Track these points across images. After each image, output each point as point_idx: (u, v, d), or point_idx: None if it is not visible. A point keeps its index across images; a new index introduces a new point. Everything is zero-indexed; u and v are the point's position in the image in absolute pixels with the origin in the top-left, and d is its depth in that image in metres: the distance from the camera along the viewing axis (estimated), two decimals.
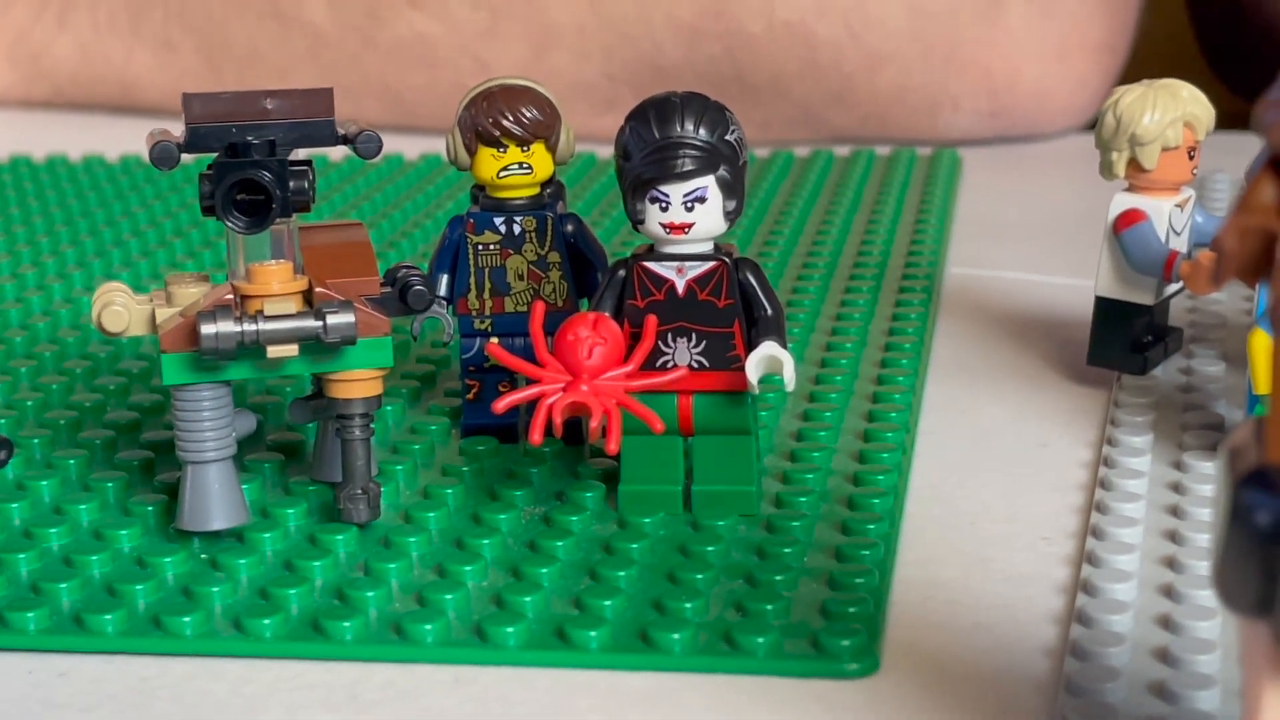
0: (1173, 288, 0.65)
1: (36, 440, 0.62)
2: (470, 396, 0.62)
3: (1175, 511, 0.55)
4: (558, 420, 0.53)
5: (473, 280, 0.61)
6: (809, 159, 1.03)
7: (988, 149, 1.06)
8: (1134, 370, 0.65)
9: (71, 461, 0.60)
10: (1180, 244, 0.64)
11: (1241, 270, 0.33)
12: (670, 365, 0.55)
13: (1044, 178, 1.01)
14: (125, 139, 1.07)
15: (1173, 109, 0.62)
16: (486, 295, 0.61)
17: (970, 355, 0.71)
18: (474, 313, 0.62)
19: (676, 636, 0.48)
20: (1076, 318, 0.71)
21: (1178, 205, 0.64)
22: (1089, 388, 0.67)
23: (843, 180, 0.97)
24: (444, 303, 0.61)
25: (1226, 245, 0.32)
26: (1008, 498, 0.58)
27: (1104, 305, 0.65)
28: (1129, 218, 0.63)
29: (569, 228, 0.61)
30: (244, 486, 0.57)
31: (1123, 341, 0.65)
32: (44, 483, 0.59)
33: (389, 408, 0.64)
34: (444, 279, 0.61)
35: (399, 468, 0.59)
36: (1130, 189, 0.64)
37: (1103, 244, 0.64)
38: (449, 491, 0.57)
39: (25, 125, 1.23)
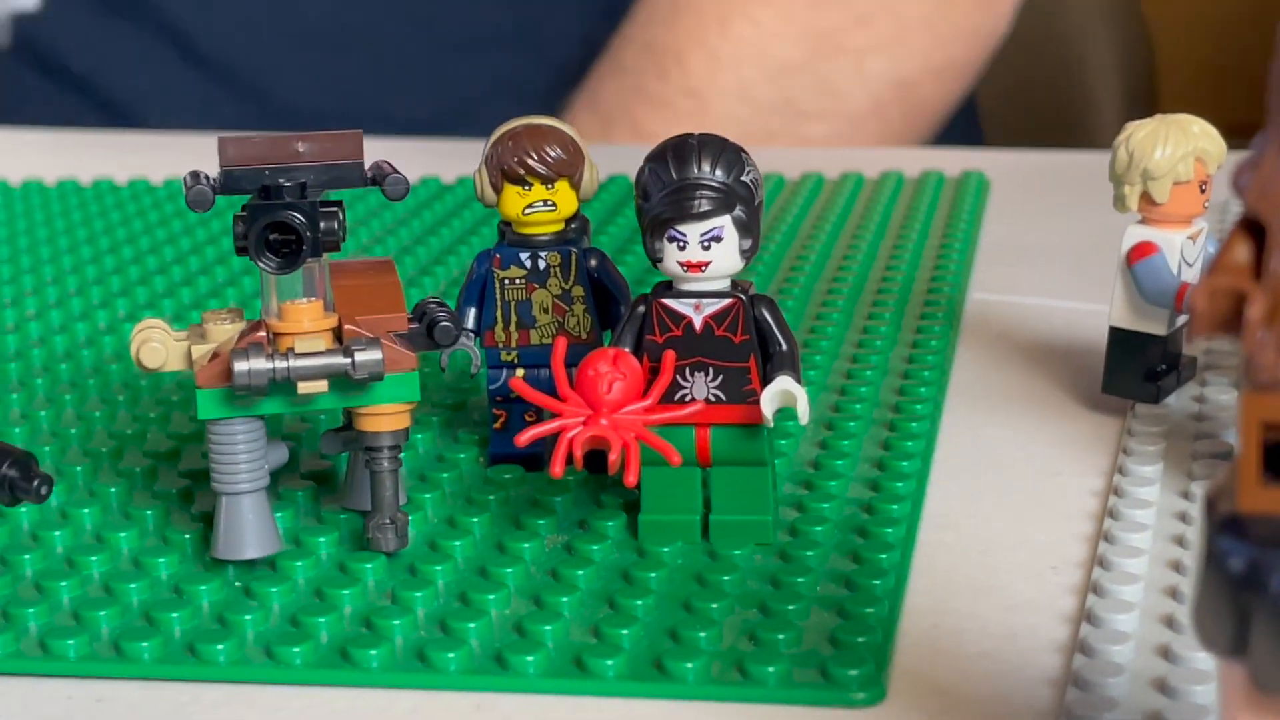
0: (1185, 318, 0.66)
1: (79, 468, 0.65)
2: (497, 426, 0.64)
3: (1181, 541, 0.57)
4: (578, 453, 0.55)
5: (499, 313, 0.63)
6: (838, 181, 1.04)
7: (1017, 170, 1.08)
8: (1147, 399, 0.66)
9: (113, 490, 0.63)
10: (1192, 276, 0.65)
11: (1212, 328, 0.34)
12: (688, 399, 0.57)
13: (1072, 200, 1.02)
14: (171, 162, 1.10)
15: (1184, 144, 0.64)
16: (512, 328, 0.63)
17: (989, 382, 0.73)
18: (500, 345, 0.63)
19: (690, 665, 0.50)
20: (1098, 344, 0.72)
21: (1190, 238, 0.65)
22: (1104, 415, 0.68)
23: (871, 202, 0.99)
24: (471, 335, 0.63)
25: (1196, 305, 0.34)
26: (1019, 526, 0.59)
27: (1118, 335, 0.66)
28: (1141, 250, 0.65)
29: (592, 262, 0.63)
30: (278, 514, 0.59)
31: (1136, 371, 0.66)
32: (85, 510, 0.61)
33: (419, 437, 0.66)
34: (471, 312, 0.63)
35: (427, 496, 0.61)
36: (1143, 222, 0.65)
37: (1116, 275, 0.66)
38: (475, 520, 0.59)
39: (71, 148, 1.25)
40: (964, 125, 1.37)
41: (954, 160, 1.08)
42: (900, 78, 1.24)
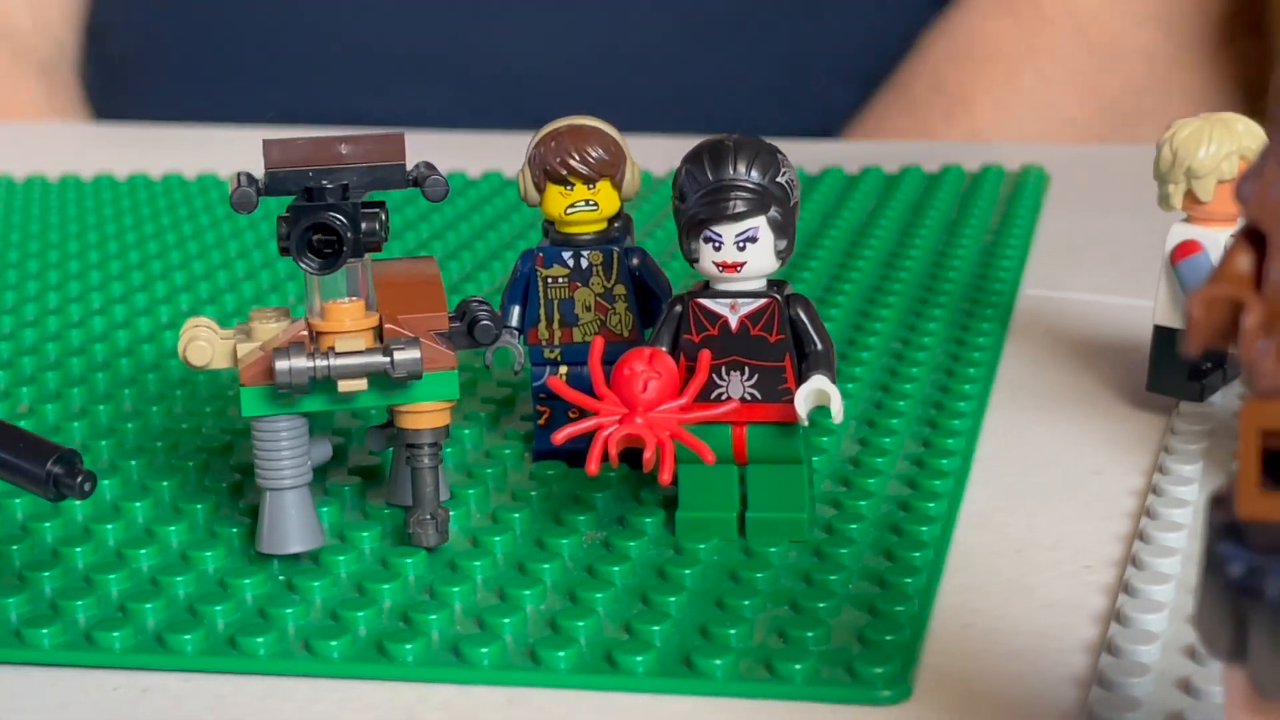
0: None
1: (134, 463, 0.66)
2: (541, 422, 0.65)
3: None
4: (613, 451, 0.55)
5: (542, 311, 0.64)
6: (897, 175, 1.04)
7: (1078, 164, 1.07)
8: (1192, 397, 0.66)
9: (165, 484, 0.64)
10: None
11: (1209, 338, 0.34)
12: (724, 398, 0.57)
13: (1133, 195, 1.02)
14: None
15: (1228, 142, 0.64)
16: (555, 326, 0.64)
17: (1036, 379, 0.73)
18: (544, 343, 0.64)
19: (719, 662, 0.50)
20: (1148, 341, 0.71)
21: (1232, 236, 0.65)
22: (1149, 413, 0.68)
23: (929, 197, 0.99)
24: (515, 333, 0.64)
25: (1193, 314, 0.34)
26: (1056, 525, 0.60)
27: (1162, 333, 0.66)
28: (1186, 249, 0.65)
29: (634, 261, 0.64)
30: (324, 509, 0.61)
31: (1181, 369, 0.66)
32: (138, 504, 0.62)
33: (466, 431, 0.67)
34: (515, 310, 0.64)
35: (471, 491, 0.62)
36: (1188, 220, 0.65)
37: (1160, 274, 0.66)
38: (516, 516, 0.60)
39: (143, 144, 1.27)
40: None
41: (1014, 154, 1.08)
42: None
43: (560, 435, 0.56)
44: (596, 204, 0.62)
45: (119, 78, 1.45)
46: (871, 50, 1.37)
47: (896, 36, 1.36)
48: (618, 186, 0.63)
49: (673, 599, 0.54)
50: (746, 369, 0.57)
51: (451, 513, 0.60)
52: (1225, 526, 0.35)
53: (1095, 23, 1.28)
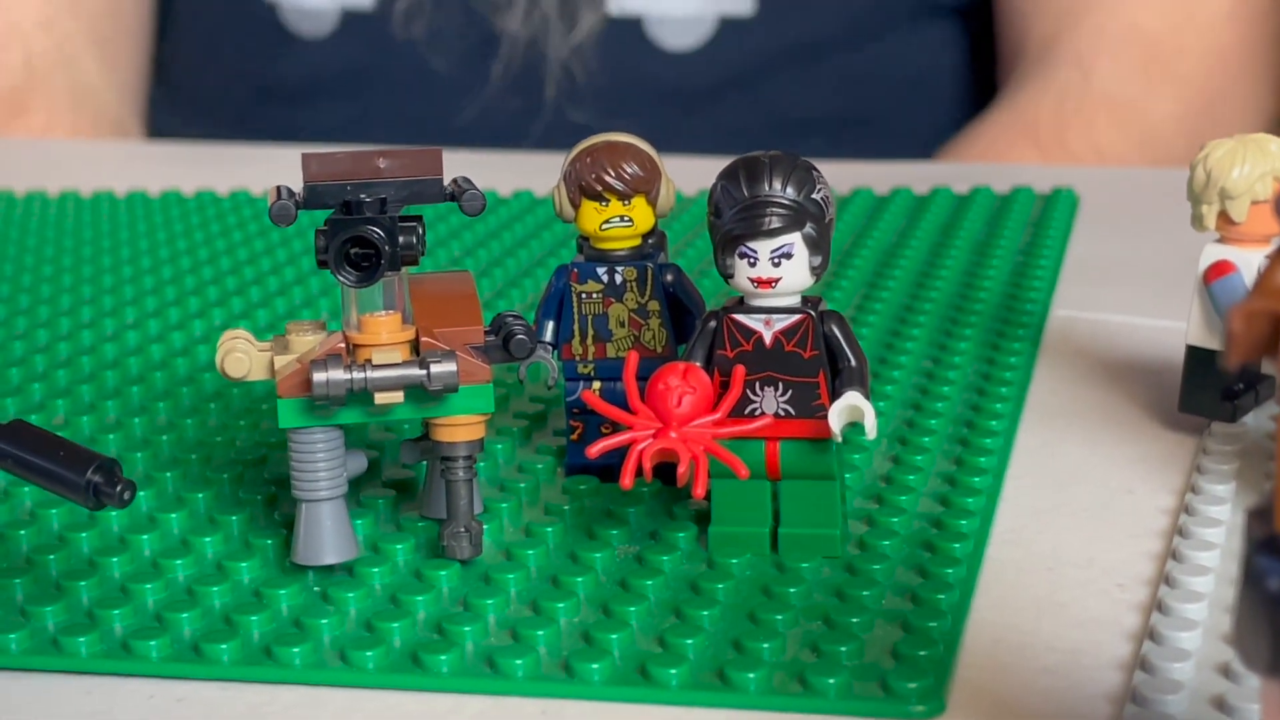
0: None
1: (169, 474, 0.66)
2: (574, 437, 0.65)
3: None
4: (647, 465, 0.56)
5: (576, 327, 0.64)
6: (927, 196, 1.05)
7: (1108, 186, 1.07)
8: (1224, 418, 0.66)
9: (200, 496, 0.64)
10: None
11: (1248, 352, 0.35)
12: (757, 413, 0.58)
13: (1164, 217, 1.02)
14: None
15: (1262, 163, 0.64)
16: (589, 341, 0.64)
17: (1068, 399, 0.73)
18: (578, 358, 0.65)
19: (752, 676, 0.51)
20: (1179, 362, 0.71)
21: (1267, 257, 0.65)
22: (1181, 434, 0.68)
23: (959, 218, 0.99)
24: (549, 348, 0.64)
25: (1233, 327, 0.34)
26: (1088, 543, 0.60)
27: (1195, 354, 0.67)
28: (1219, 269, 0.65)
29: (668, 277, 0.64)
30: (359, 521, 0.61)
31: (1213, 389, 0.66)
32: (173, 515, 0.63)
33: (499, 445, 0.68)
34: (550, 325, 0.64)
35: (504, 505, 0.62)
36: (1221, 241, 0.65)
37: (1193, 294, 0.66)
38: (549, 530, 0.60)
39: (175, 160, 1.28)
40: None
41: (1044, 176, 1.08)
42: None
43: (594, 449, 0.56)
44: (631, 220, 0.63)
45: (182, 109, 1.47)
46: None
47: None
48: (652, 203, 0.63)
49: (706, 613, 0.54)
50: (780, 384, 0.58)
51: (485, 526, 0.60)
52: (1264, 540, 0.35)
53: (1111, 152, 1.26)
